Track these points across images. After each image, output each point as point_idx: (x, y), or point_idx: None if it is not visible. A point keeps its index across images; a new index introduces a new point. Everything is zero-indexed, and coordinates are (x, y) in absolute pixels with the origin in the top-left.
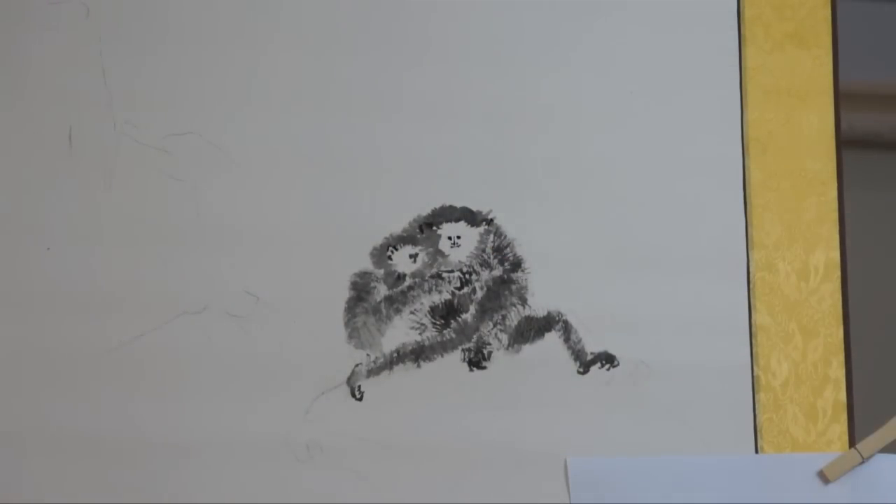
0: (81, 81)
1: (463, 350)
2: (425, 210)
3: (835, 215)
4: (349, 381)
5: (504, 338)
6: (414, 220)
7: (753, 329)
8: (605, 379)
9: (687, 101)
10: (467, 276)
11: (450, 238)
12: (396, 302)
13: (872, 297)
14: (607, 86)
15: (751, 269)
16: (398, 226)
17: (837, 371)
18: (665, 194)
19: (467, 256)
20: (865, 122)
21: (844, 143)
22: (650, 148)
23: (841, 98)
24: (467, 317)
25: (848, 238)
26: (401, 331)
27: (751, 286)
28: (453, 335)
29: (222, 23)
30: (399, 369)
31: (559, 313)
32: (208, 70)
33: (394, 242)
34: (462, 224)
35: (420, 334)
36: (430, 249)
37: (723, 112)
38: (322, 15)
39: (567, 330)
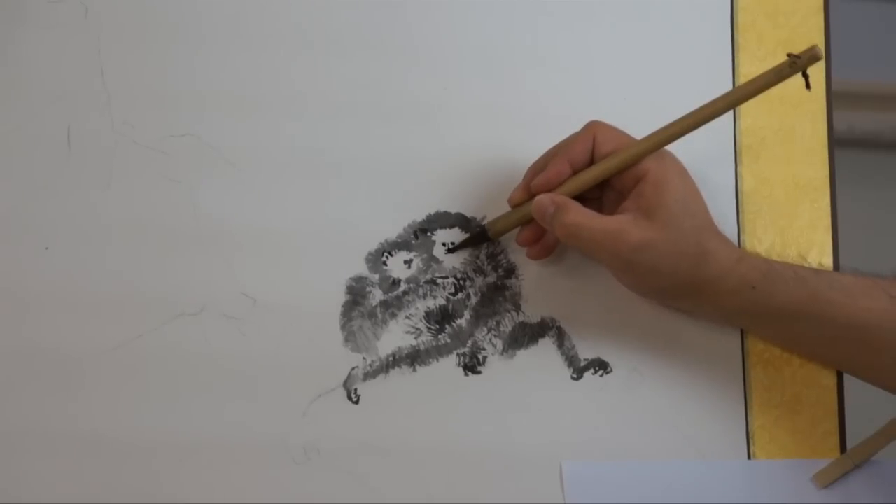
0: (80, 81)
1: (458, 355)
2: (420, 216)
3: (827, 221)
4: (345, 384)
5: (498, 343)
6: (409, 226)
7: (745, 336)
8: (599, 385)
9: (681, 109)
10: (461, 281)
11: (444, 244)
12: (392, 306)
13: None
14: (600, 93)
15: None
16: (393, 231)
17: (829, 378)
18: None
19: (461, 262)
20: (865, 123)
21: (844, 143)
22: None
23: (841, 98)
24: (462, 322)
25: (846, 240)
26: (396, 335)
27: None
28: (448, 340)
29: (222, 24)
30: (395, 373)
31: (552, 319)
32: (207, 71)
33: (389, 248)
34: (456, 230)
35: (415, 339)
36: (425, 255)
37: (716, 119)
38: (321, 18)
39: (560, 336)
